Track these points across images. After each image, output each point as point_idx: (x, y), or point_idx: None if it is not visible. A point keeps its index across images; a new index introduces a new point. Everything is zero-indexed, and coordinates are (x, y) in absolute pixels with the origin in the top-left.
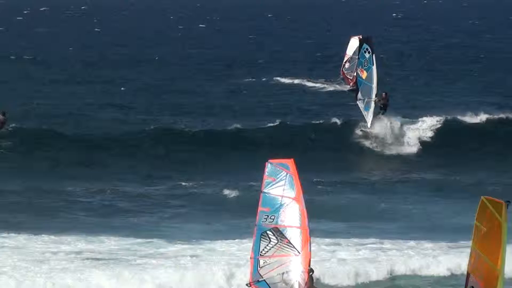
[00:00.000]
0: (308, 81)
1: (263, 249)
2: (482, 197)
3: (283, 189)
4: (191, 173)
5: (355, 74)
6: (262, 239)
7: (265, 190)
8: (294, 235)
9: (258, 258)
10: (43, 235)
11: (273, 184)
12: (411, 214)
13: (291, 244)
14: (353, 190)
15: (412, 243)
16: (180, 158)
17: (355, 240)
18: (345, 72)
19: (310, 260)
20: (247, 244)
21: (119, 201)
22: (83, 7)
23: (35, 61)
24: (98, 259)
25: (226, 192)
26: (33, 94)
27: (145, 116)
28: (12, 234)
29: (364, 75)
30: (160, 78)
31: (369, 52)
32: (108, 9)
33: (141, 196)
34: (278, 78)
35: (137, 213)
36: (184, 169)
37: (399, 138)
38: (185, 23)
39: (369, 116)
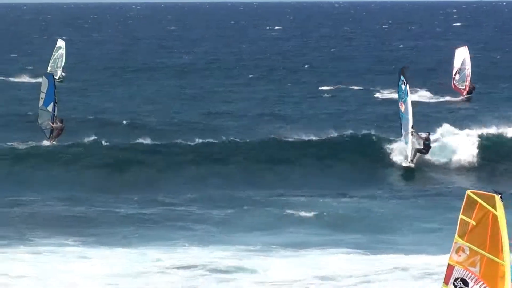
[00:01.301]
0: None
1: None
2: (468, 191)
3: None
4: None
5: (467, 83)
6: None
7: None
8: None
9: None
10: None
11: None
12: None
13: None
14: None
15: None
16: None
17: None
18: (456, 84)
19: None
20: None
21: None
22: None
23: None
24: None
25: None
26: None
27: None
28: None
29: (403, 108)
30: None
31: (404, 84)
32: None
33: None
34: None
35: None
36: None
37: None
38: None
39: (408, 149)
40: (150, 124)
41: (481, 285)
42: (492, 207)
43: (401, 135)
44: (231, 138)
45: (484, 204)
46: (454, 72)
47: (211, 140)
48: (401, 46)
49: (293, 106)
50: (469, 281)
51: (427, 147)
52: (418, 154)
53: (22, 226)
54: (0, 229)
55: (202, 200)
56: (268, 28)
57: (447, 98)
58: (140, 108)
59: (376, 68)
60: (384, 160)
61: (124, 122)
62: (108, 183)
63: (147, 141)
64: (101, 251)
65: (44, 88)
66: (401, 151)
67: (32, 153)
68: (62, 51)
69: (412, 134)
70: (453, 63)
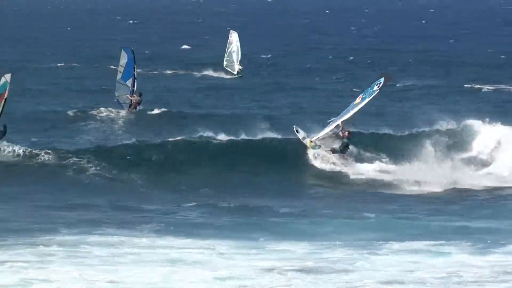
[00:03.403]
0: None
1: None
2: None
3: None
4: None
5: None
6: None
7: None
8: None
9: None
10: None
11: None
12: None
13: None
14: None
15: None
16: None
17: None
18: None
19: None
20: None
21: None
22: None
23: None
24: None
25: None
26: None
27: None
28: None
29: (357, 101)
30: None
31: (378, 88)
32: None
33: None
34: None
35: None
36: None
37: None
38: None
39: (322, 132)
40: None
41: None
42: None
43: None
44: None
45: None
46: None
47: None
48: None
49: None
50: None
51: (345, 147)
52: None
53: None
54: None
55: None
56: None
57: None
58: None
59: None
60: None
61: None
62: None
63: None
64: None
65: (122, 62)
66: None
67: None
68: (237, 43)
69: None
70: None
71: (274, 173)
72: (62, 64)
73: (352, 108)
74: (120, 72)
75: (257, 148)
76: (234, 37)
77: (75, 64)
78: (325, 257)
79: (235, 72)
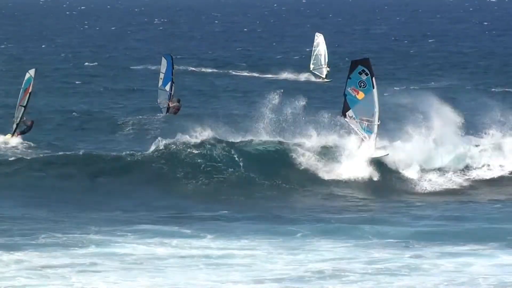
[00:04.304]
0: None
1: None
2: None
3: None
4: None
5: None
6: None
7: None
8: None
9: None
10: None
11: None
12: None
13: None
14: None
15: None
16: None
17: None
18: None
19: None
20: None
21: None
22: None
23: None
24: None
25: None
26: None
27: None
28: None
29: (358, 95)
30: None
31: (366, 74)
32: None
33: None
34: None
35: None
36: None
37: None
38: None
39: (371, 140)
40: None
41: None
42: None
43: (343, 116)
44: None
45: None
46: None
47: None
48: None
49: None
50: None
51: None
52: None
53: None
54: None
55: None
56: None
57: None
58: None
59: None
60: None
61: None
62: None
63: None
64: None
65: (163, 69)
66: None
67: None
68: (323, 46)
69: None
70: None
71: None
72: None
73: (372, 106)
74: (161, 79)
75: None
76: (320, 40)
77: None
78: None
79: (324, 75)
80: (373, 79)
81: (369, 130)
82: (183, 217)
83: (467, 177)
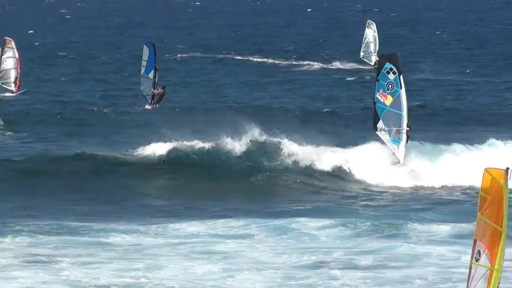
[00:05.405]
0: None
1: None
2: (484, 168)
3: None
4: None
5: None
6: None
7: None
8: None
9: None
10: None
11: None
12: None
13: None
14: None
15: None
16: None
17: None
18: None
19: None
20: None
21: None
22: None
23: None
24: None
25: None
26: None
27: None
28: None
29: (387, 100)
30: None
31: (394, 73)
32: None
33: None
34: None
35: None
36: None
37: None
38: None
39: (401, 150)
40: None
41: (487, 253)
42: (501, 181)
43: (374, 128)
44: None
45: (495, 178)
46: None
47: None
48: None
49: None
50: (481, 251)
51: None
52: None
53: None
54: None
55: None
56: None
57: None
58: None
59: None
60: None
61: None
62: None
63: None
64: None
65: (145, 56)
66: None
67: None
68: (374, 33)
69: (407, 134)
70: None
71: None
72: None
73: (400, 110)
74: (143, 66)
75: None
76: (371, 27)
77: None
78: None
79: (372, 63)
80: (401, 77)
81: (397, 140)
82: (174, 209)
83: None
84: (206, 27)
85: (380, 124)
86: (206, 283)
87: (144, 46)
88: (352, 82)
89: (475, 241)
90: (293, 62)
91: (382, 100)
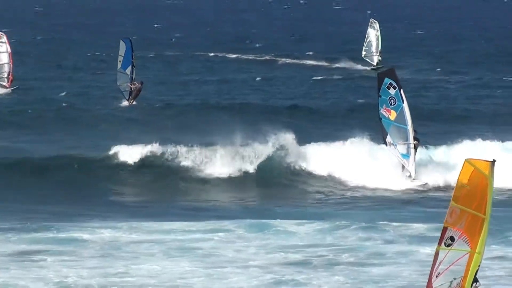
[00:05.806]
0: None
1: None
2: (466, 159)
3: None
4: None
5: None
6: None
7: None
8: None
9: None
10: None
11: None
12: None
13: None
14: None
15: None
16: None
17: None
18: None
19: None
20: None
21: None
22: None
23: None
24: None
25: None
26: None
27: None
28: None
29: (391, 115)
30: None
31: (394, 88)
32: None
33: None
34: None
35: None
36: None
37: None
38: None
39: (410, 164)
40: None
41: (464, 238)
42: (486, 172)
43: (384, 144)
44: None
45: (479, 169)
46: None
47: None
48: None
49: None
50: (455, 237)
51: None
52: None
53: None
54: None
55: None
56: None
57: None
58: None
59: None
60: None
61: None
62: None
63: None
64: None
65: (122, 52)
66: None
67: None
68: (377, 33)
69: (414, 147)
70: None
71: None
72: None
73: (405, 124)
74: (120, 61)
75: None
76: (374, 26)
77: None
78: None
79: (374, 63)
80: (401, 91)
81: (406, 154)
82: (151, 207)
83: None
84: (180, 25)
85: (389, 139)
86: (189, 281)
87: (121, 41)
88: (339, 80)
89: (445, 228)
90: (275, 59)
91: (386, 115)
